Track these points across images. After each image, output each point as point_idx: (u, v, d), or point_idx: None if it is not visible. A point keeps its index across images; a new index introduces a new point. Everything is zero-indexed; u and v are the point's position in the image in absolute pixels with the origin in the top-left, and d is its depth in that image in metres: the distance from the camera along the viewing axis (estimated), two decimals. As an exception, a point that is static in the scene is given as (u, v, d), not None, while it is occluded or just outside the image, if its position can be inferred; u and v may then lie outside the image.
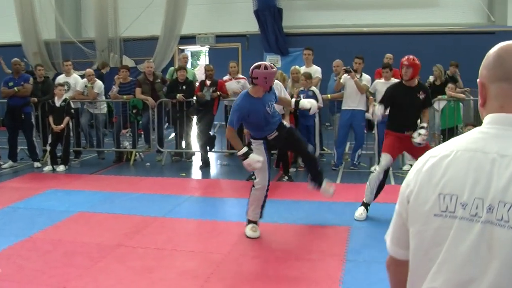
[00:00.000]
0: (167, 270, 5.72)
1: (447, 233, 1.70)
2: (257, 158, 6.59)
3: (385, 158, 7.73)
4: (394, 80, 10.83)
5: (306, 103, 7.46)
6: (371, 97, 11.12)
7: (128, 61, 18.34)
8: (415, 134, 7.59)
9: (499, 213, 1.58)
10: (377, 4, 18.03)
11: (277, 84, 9.36)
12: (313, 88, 11.11)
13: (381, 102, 8.14)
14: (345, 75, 10.83)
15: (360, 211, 7.75)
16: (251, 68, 6.75)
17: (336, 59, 11.79)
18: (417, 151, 7.93)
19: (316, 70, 11.70)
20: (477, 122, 13.36)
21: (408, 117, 7.77)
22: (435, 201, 1.74)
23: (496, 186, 1.61)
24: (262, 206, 6.97)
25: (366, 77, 11.06)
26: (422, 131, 7.58)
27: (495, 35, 16.84)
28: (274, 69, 6.81)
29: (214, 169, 11.76)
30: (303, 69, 11.55)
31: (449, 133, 11.28)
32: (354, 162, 11.22)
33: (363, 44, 16.55)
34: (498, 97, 1.75)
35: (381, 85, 10.89)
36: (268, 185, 6.91)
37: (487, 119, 1.78)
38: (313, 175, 7.43)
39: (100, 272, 5.69)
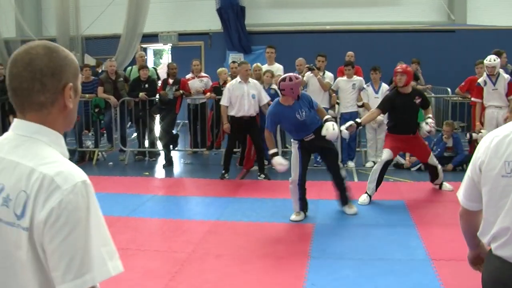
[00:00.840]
0: (131, 270, 5.68)
1: (511, 188, 2.45)
2: (279, 161, 7.54)
3: (386, 152, 8.33)
4: (356, 78, 10.95)
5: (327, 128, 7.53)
6: (334, 94, 11.20)
7: (89, 60, 18.15)
8: (423, 124, 8.30)
9: None
10: (340, 3, 18.12)
11: (255, 84, 10.22)
12: (274, 86, 11.12)
13: (378, 107, 8.56)
14: (308, 73, 10.88)
15: (364, 197, 8.27)
16: (278, 80, 7.60)
17: (298, 58, 11.82)
18: (418, 151, 8.78)
19: (278, 68, 11.71)
20: (438, 118, 13.55)
21: (408, 122, 8.41)
22: (502, 166, 2.48)
23: None
24: (301, 199, 7.56)
25: (329, 75, 11.11)
26: (429, 120, 8.33)
27: (455, 33, 17.10)
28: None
29: (177, 168, 11.71)
30: (265, 67, 11.56)
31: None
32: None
33: (326, 42, 16.62)
34: None
35: (344, 83, 11.00)
36: (301, 180, 7.54)
37: None
38: (340, 194, 7.83)
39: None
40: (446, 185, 8.91)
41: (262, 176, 10.17)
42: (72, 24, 18.83)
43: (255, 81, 10.36)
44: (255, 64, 11.69)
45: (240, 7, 17.92)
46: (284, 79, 7.37)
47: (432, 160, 8.70)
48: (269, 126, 7.64)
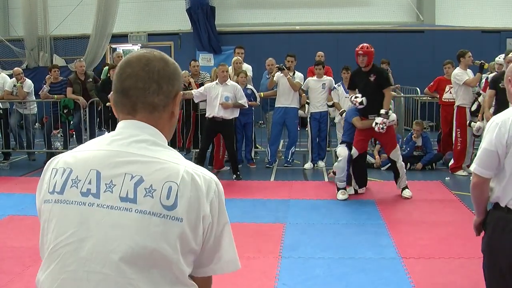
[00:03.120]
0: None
1: None
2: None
3: (353, 151, 8.50)
4: (326, 78, 11.00)
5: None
6: (304, 94, 11.23)
7: (58, 60, 17.95)
8: (373, 124, 8.21)
9: None
10: (309, 3, 18.20)
11: (234, 87, 10.21)
12: (250, 86, 11.16)
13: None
14: (278, 73, 10.90)
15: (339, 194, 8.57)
16: None
17: (268, 58, 11.84)
18: (384, 140, 8.73)
19: (247, 68, 11.71)
20: (407, 118, 13.66)
21: (371, 101, 8.32)
22: None
23: None
24: (348, 175, 8.58)
25: (299, 75, 11.13)
26: (378, 120, 8.19)
27: (424, 33, 17.28)
28: None
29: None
30: (231, 68, 11.61)
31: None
32: (288, 159, 11.29)
33: (295, 43, 16.68)
34: None
35: (314, 83, 11.02)
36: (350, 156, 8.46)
37: None
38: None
39: (32, 277, 5.53)
40: (406, 192, 8.65)
41: (234, 176, 10.18)
42: (40, 24, 18.60)
43: (235, 83, 10.34)
44: (234, 58, 11.72)
45: (210, 7, 17.90)
46: None
47: (395, 154, 8.64)
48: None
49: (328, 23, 17.89)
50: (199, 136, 11.77)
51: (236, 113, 10.26)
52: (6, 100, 12.24)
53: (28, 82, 12.35)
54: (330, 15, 18.02)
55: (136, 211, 1.74)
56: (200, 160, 10.08)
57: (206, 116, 10.29)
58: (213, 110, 9.99)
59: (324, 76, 11.02)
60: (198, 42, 18.27)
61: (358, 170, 8.72)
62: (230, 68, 11.81)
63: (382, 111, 8.19)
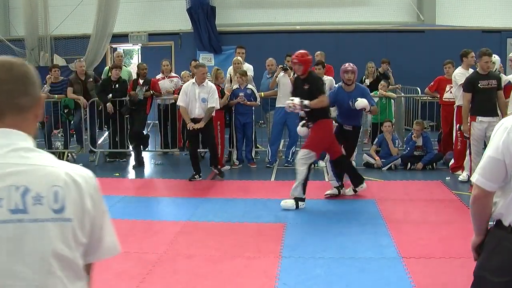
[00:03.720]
0: (102, 271, 5.60)
1: None
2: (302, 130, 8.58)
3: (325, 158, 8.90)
4: (326, 77, 10.98)
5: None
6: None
7: (59, 60, 17.96)
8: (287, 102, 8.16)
9: None
10: (309, 3, 18.21)
11: (210, 88, 10.06)
12: (250, 86, 11.17)
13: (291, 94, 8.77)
14: (282, 73, 10.94)
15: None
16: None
17: (269, 58, 11.84)
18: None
19: (248, 68, 11.72)
20: (407, 117, 13.66)
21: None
22: None
23: None
24: (336, 174, 8.81)
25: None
26: (291, 100, 8.11)
27: (424, 33, 17.29)
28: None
29: (148, 169, 11.65)
30: (231, 69, 11.64)
31: (375, 128, 11.71)
32: (288, 159, 11.27)
33: (296, 42, 16.59)
34: None
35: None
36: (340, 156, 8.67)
37: None
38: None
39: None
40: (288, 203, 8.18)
41: (217, 172, 10.28)
42: (40, 23, 18.62)
43: (212, 84, 10.20)
44: (235, 58, 11.75)
45: (211, 7, 17.93)
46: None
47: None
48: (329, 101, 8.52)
49: (328, 23, 17.88)
50: (199, 136, 11.77)
51: (211, 112, 9.99)
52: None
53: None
54: (331, 15, 18.02)
55: (29, 220, 1.78)
56: (194, 163, 10.14)
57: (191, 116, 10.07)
58: (193, 111, 9.96)
59: (325, 76, 11.00)
60: (198, 42, 18.28)
61: (344, 170, 8.79)
62: (231, 68, 11.81)
63: (301, 100, 8.00)
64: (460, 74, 9.96)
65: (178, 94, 11.72)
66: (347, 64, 8.58)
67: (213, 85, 10.20)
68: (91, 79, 12.27)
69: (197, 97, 9.83)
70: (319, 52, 12.52)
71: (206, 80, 10.12)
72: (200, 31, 18.11)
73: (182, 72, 12.35)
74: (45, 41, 18.69)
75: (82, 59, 13.32)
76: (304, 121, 8.39)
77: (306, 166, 8.14)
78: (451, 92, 10.59)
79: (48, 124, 12.26)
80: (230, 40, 17.57)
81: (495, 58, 9.85)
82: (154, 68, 12.99)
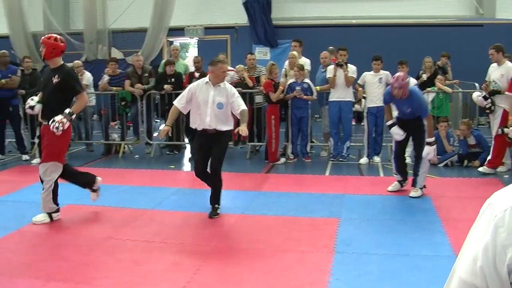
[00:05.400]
0: (156, 262, 5.72)
1: None
2: (397, 131, 8.44)
3: None
4: (383, 72, 10.86)
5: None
6: (360, 89, 11.17)
7: (116, 53, 18.24)
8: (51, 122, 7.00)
9: None
10: (366, -4, 18.06)
11: (228, 90, 7.46)
12: (307, 80, 11.15)
13: None
14: (331, 67, 10.94)
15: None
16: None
17: (323, 51, 11.80)
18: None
19: (305, 62, 11.70)
20: (465, 113, 13.42)
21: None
22: None
23: None
24: (398, 171, 8.75)
25: (352, 68, 11.04)
26: (57, 118, 6.98)
27: (483, 27, 16.92)
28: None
29: (203, 161, 11.73)
30: (287, 63, 11.62)
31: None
32: (343, 154, 11.23)
33: (351, 36, 16.57)
34: None
35: (370, 77, 10.95)
36: (396, 153, 8.73)
37: None
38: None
39: (89, 265, 5.68)
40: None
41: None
42: (99, 17, 18.96)
43: (230, 85, 7.63)
44: (290, 52, 11.75)
45: (266, 1, 17.93)
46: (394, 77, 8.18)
47: None
48: (385, 101, 8.73)
49: (385, 17, 17.68)
50: (254, 130, 11.83)
51: (230, 124, 7.58)
52: (66, 92, 12.50)
53: (87, 74, 12.62)
54: (387, 9, 17.80)
55: None
56: (201, 176, 7.63)
57: (193, 127, 7.57)
58: (203, 120, 7.33)
59: (381, 71, 10.91)
60: (254, 35, 18.32)
61: None
62: (287, 63, 11.79)
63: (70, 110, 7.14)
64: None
65: (234, 87, 11.80)
66: (393, 80, 8.15)
67: (231, 86, 7.68)
68: (147, 74, 12.40)
69: (211, 101, 7.25)
70: (331, 47, 12.51)
71: (224, 81, 7.57)
72: (256, 25, 18.15)
73: (237, 66, 12.38)
74: (103, 35, 19.00)
75: (139, 53, 13.50)
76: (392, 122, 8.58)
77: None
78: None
79: (105, 117, 12.47)
80: (286, 33, 17.54)
81: None
82: (210, 62, 13.07)
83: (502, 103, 9.75)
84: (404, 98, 8.05)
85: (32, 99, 7.67)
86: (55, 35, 7.15)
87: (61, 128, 6.86)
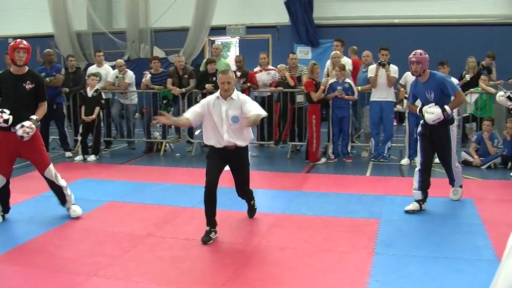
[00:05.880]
0: (196, 260, 5.75)
1: None
2: (431, 110, 7.37)
3: None
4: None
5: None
6: (402, 89, 11.06)
7: (158, 52, 18.42)
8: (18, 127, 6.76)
9: None
10: (408, -4, 17.89)
11: (239, 100, 6.60)
12: (348, 80, 11.11)
13: None
14: (373, 66, 10.88)
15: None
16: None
17: (365, 50, 11.74)
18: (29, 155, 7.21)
19: (346, 62, 11.66)
20: (509, 114, 13.22)
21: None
22: None
23: None
24: (421, 188, 7.72)
25: (394, 68, 10.95)
26: (26, 123, 6.79)
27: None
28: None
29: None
30: (329, 63, 11.59)
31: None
32: (384, 154, 11.15)
33: (393, 36, 16.45)
34: None
35: (412, 77, 10.82)
36: (423, 166, 7.73)
37: None
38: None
39: (130, 261, 5.74)
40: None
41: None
42: (141, 17, 19.18)
43: (242, 95, 6.75)
44: (333, 52, 11.72)
45: (308, 0, 17.88)
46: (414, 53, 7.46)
47: (49, 173, 7.33)
48: (409, 98, 8.11)
49: (427, 16, 17.50)
50: (295, 129, 11.83)
51: (248, 138, 6.84)
52: (109, 91, 12.67)
53: (130, 73, 12.74)
54: (430, 9, 17.60)
55: None
56: (209, 210, 6.61)
57: (209, 144, 6.77)
58: (220, 138, 6.60)
59: (392, 65, 10.84)
60: (296, 35, 18.31)
61: None
62: (329, 62, 11.75)
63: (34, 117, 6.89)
64: None
65: (276, 87, 11.82)
66: (412, 54, 7.48)
67: (244, 95, 6.86)
68: (187, 76, 12.42)
69: (225, 116, 6.54)
70: (354, 47, 12.47)
71: (235, 91, 6.70)
72: (298, 24, 18.13)
73: (278, 66, 12.38)
74: (146, 34, 19.22)
75: (181, 53, 13.60)
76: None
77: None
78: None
79: (147, 115, 12.58)
80: (328, 33, 17.50)
81: None
82: (252, 61, 13.10)
83: None
84: (425, 81, 7.46)
85: (3, 112, 6.74)
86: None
87: (31, 133, 6.79)
